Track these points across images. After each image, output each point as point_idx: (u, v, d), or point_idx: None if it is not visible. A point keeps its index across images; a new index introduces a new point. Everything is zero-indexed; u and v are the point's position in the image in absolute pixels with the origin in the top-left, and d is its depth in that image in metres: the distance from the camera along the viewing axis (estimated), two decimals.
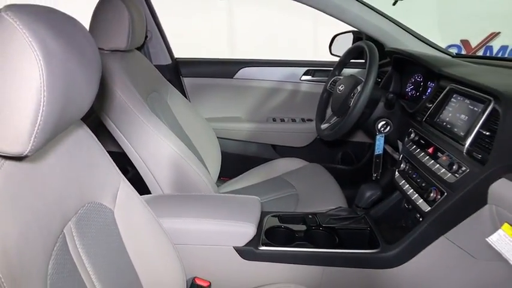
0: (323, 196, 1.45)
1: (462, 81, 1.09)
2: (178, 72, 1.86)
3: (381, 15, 1.62)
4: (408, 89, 1.52)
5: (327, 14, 1.57)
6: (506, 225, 0.83)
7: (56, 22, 0.52)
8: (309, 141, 1.93)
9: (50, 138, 0.53)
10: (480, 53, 3.76)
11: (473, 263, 1.03)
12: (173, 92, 1.55)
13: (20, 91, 0.46)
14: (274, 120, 1.94)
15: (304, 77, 1.89)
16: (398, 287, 1.09)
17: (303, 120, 1.94)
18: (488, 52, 3.73)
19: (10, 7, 0.47)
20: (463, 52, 3.78)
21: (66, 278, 0.61)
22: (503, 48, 3.67)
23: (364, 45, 1.33)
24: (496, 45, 3.69)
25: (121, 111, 1.17)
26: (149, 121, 1.19)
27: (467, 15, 3.55)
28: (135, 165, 1.24)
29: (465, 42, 3.77)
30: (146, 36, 1.63)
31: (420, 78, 1.46)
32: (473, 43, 3.75)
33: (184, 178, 1.21)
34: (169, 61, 1.82)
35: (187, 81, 1.88)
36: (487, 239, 0.84)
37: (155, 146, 1.19)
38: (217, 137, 1.70)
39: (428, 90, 1.35)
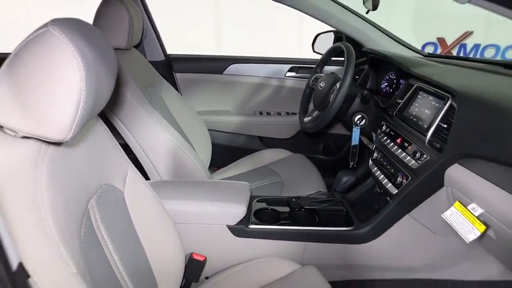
0: (305, 182, 1.60)
1: (427, 80, 1.24)
2: (170, 67, 1.97)
3: (360, 17, 1.76)
4: (383, 86, 1.67)
5: (309, 15, 1.70)
6: (457, 203, 0.98)
7: (87, 33, 0.64)
8: (292, 133, 2.07)
9: (81, 128, 0.65)
10: (455, 50, 3.96)
11: (433, 238, 1.19)
12: (167, 87, 1.66)
13: (65, 91, 0.57)
14: (260, 113, 2.07)
15: (289, 74, 2.03)
16: (370, 260, 1.25)
17: (287, 113, 2.08)
18: (462, 50, 3.94)
19: (54, 22, 0.59)
20: (439, 49, 3.98)
21: (91, 244, 0.74)
22: (476, 46, 3.89)
23: (343, 46, 1.47)
24: (469, 43, 3.90)
25: (124, 106, 1.28)
26: (149, 114, 1.30)
27: (443, 15, 3.73)
28: (136, 155, 1.35)
29: (441, 40, 3.96)
30: (142, 34, 1.73)
31: (393, 76, 1.61)
32: (449, 41, 3.95)
33: (181, 166, 1.33)
34: (163, 57, 1.93)
35: (179, 76, 1.99)
36: (442, 215, 1.00)
37: (155, 137, 1.31)
38: (208, 129, 1.82)
39: (400, 87, 1.50)
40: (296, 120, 2.00)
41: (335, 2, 1.71)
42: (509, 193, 0.82)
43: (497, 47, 3.81)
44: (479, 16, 3.68)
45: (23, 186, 0.58)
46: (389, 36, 1.81)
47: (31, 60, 0.56)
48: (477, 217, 0.91)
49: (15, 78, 0.56)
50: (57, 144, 0.67)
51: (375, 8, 1.24)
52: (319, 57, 1.83)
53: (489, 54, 3.87)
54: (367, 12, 1.68)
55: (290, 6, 1.64)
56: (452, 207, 0.99)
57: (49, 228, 0.59)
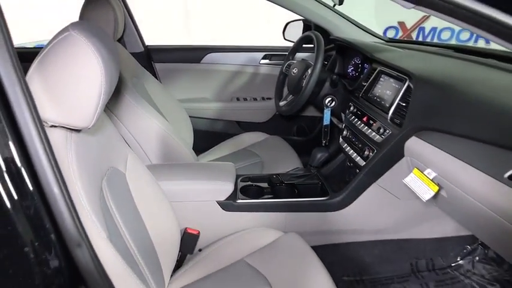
0: (283, 161, 1.74)
1: (387, 65, 1.40)
2: (150, 58, 2.04)
3: (326, 7, 1.90)
4: (349, 70, 1.82)
5: (278, 5, 1.81)
6: (415, 169, 1.16)
7: (99, 33, 0.74)
8: (268, 117, 2.21)
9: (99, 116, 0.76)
10: (414, 33, 4.20)
11: (397, 202, 1.37)
12: (148, 77, 1.75)
13: (89, 85, 0.68)
14: (238, 99, 2.19)
15: (263, 61, 2.15)
16: (343, 225, 1.41)
17: (263, 98, 2.21)
18: (421, 32, 4.18)
19: (73, 26, 0.69)
20: (400, 32, 4.20)
21: (108, 219, 0.85)
22: (433, 29, 4.14)
23: (313, 35, 1.60)
24: (427, 26, 4.14)
25: (114, 96, 1.37)
26: (137, 103, 1.40)
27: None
28: (126, 141, 1.44)
29: (402, 24, 4.19)
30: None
31: (358, 61, 1.76)
32: (409, 25, 4.18)
33: (170, 150, 1.44)
34: (142, 49, 1.99)
35: (158, 66, 2.07)
36: (403, 180, 1.17)
37: (144, 124, 1.40)
38: (189, 116, 1.92)
39: (365, 71, 1.66)
40: (271, 105, 2.13)
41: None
42: (456, 158, 0.99)
43: (452, 30, 4.08)
44: None
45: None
46: (353, 24, 1.96)
47: (59, 60, 0.66)
48: (431, 180, 1.08)
49: (45, 76, 0.65)
50: (78, 131, 0.77)
51: (341, 2, 1.37)
52: (289, 44, 1.97)
53: (445, 36, 4.13)
54: (334, 6, 1.82)
55: None
56: (412, 173, 1.16)
57: (83, 200, 0.69)
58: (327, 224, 1.40)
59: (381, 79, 1.44)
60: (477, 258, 1.45)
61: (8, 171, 0.51)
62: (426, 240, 1.48)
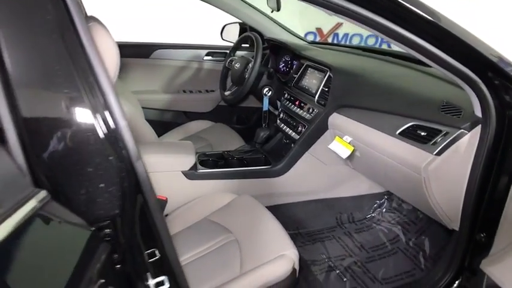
0: (229, 143, 2.03)
1: (313, 60, 1.77)
2: None
3: (260, 12, 2.23)
4: (281, 66, 2.18)
5: (219, 9, 2.10)
6: (337, 137, 1.53)
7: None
8: (212, 107, 2.47)
9: None
10: (330, 38, 4.77)
11: (324, 167, 1.74)
12: None
13: (109, 65, 0.90)
14: (184, 91, 2.42)
15: (206, 58, 2.41)
16: (282, 189, 1.75)
17: (206, 91, 2.47)
18: (335, 38, 4.77)
19: (92, 18, 0.90)
20: (318, 37, 4.75)
21: None
22: (346, 35, 4.75)
23: (252, 36, 1.92)
24: (340, 32, 4.74)
25: None
26: None
27: (320, 11, 4.45)
28: None
29: (319, 30, 4.73)
30: None
31: (288, 58, 2.12)
32: (325, 30, 4.74)
33: (136, 131, 1.64)
34: None
35: None
36: (328, 146, 1.53)
37: None
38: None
39: (294, 66, 2.02)
40: (214, 96, 2.41)
41: (247, 3, 2.15)
42: (364, 124, 1.37)
43: (361, 36, 4.72)
44: None
45: None
46: (283, 28, 2.32)
47: None
48: (348, 143, 1.46)
49: None
50: None
51: (278, 9, 1.67)
52: (227, 44, 2.27)
53: (356, 40, 4.76)
54: (272, 12, 2.13)
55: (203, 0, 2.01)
56: (334, 140, 1.53)
57: None
58: (271, 188, 1.72)
59: (308, 71, 1.81)
60: (384, 209, 1.88)
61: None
62: (347, 198, 1.87)
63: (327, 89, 1.61)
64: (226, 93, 2.07)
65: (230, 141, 2.06)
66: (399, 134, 1.23)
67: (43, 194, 0.55)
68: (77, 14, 0.65)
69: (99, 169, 0.64)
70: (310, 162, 1.71)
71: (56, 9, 0.62)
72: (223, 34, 2.42)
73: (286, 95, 1.89)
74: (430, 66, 0.94)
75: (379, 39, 4.56)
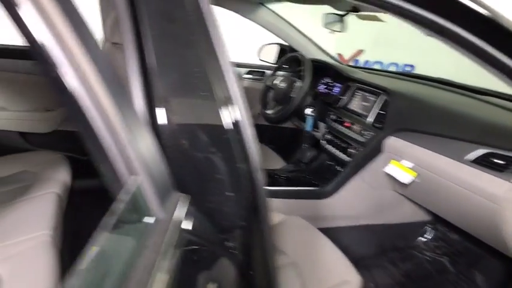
0: (271, 161, 1.99)
1: (364, 82, 1.75)
2: None
3: (301, 33, 2.24)
4: (320, 87, 2.16)
5: (269, 30, 2.11)
6: (393, 161, 1.49)
7: None
8: None
9: None
10: (351, 63, 4.81)
11: (372, 191, 1.69)
12: None
13: None
14: None
15: (246, 76, 2.40)
16: (330, 210, 1.69)
17: None
18: (356, 64, 4.81)
19: None
20: None
21: None
22: (366, 62, 4.79)
23: (300, 57, 1.91)
24: (361, 59, 4.78)
25: None
26: None
27: (342, 35, 4.52)
28: None
29: (340, 56, 4.77)
30: None
31: (329, 80, 2.11)
32: (346, 56, 4.78)
33: None
34: None
35: None
36: (383, 169, 1.49)
37: None
38: None
39: (335, 87, 1.99)
40: None
41: (285, 21, 2.16)
42: (429, 150, 1.34)
43: (381, 63, 4.76)
44: (370, 38, 4.58)
45: None
46: (320, 49, 2.32)
47: None
48: (410, 168, 1.42)
49: None
50: None
51: (344, 29, 1.68)
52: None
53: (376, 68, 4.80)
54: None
55: (260, 24, 2.02)
56: (390, 164, 1.49)
57: None
58: (317, 210, 1.67)
59: (357, 93, 1.79)
60: (429, 238, 1.83)
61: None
62: (390, 225, 1.82)
63: (383, 112, 1.58)
64: (269, 111, 2.05)
65: (271, 160, 2.02)
66: (473, 161, 1.20)
67: (187, 198, 0.51)
68: (210, 16, 0.62)
69: (228, 176, 0.60)
70: (358, 186, 1.67)
71: (196, 13, 0.60)
72: (261, 54, 2.43)
73: (332, 116, 1.86)
74: (487, 95, 0.91)
75: (399, 67, 4.60)
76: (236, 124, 0.62)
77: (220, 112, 0.61)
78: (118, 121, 0.40)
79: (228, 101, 0.60)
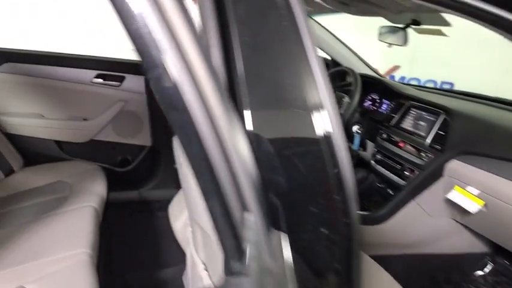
0: None
1: (420, 100, 1.63)
2: None
3: (346, 46, 2.15)
4: (366, 103, 2.05)
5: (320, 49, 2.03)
6: (456, 187, 1.36)
7: None
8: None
9: None
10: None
11: (428, 219, 1.56)
12: None
13: None
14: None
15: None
16: (381, 237, 1.57)
17: None
18: (392, 79, 4.66)
19: None
20: None
21: None
22: (402, 78, 4.63)
23: (349, 71, 1.82)
24: (397, 75, 4.63)
25: None
26: None
27: (377, 50, 4.41)
28: None
29: (375, 71, 4.64)
30: None
31: (376, 96, 2.00)
32: (382, 72, 4.65)
33: None
34: None
35: None
36: (446, 196, 1.36)
37: None
38: None
39: (384, 105, 1.88)
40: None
41: (330, 33, 2.08)
42: (498, 176, 1.20)
43: (418, 80, 4.60)
44: (405, 54, 4.43)
45: None
46: (366, 64, 2.22)
47: None
48: (476, 195, 1.28)
49: None
50: None
51: (406, 43, 1.58)
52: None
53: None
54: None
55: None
56: (453, 190, 1.36)
57: None
58: (370, 235, 1.55)
59: (412, 112, 1.67)
60: (487, 272, 1.66)
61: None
62: (445, 256, 1.67)
63: (443, 133, 1.46)
64: None
65: None
66: None
67: (285, 237, 0.43)
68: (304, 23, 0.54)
69: (323, 209, 0.51)
70: (413, 212, 1.54)
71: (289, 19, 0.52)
72: None
73: (383, 135, 1.74)
74: None
75: (438, 84, 4.42)
76: (330, 144, 0.53)
77: (314, 132, 0.52)
78: (231, 146, 0.32)
79: (322, 120, 0.51)
